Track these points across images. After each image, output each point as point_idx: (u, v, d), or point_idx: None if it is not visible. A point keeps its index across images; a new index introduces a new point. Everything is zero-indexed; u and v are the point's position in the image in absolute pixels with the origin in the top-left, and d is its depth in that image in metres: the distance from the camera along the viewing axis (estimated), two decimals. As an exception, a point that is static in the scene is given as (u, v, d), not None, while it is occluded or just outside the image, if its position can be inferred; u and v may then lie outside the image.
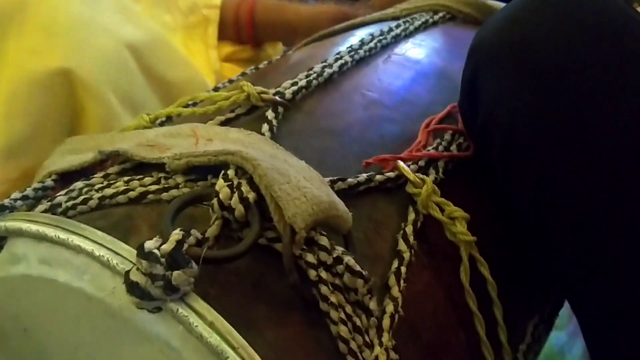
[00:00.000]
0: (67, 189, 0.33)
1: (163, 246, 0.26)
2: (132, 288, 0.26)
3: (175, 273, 0.25)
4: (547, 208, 0.35)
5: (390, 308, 0.30)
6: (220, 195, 0.29)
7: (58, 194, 0.33)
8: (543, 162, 0.35)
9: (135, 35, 0.52)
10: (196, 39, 0.64)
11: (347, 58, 0.45)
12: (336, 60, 0.44)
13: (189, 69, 0.55)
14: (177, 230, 0.27)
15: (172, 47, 0.55)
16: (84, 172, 0.37)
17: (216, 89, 0.50)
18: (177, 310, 0.26)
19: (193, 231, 0.27)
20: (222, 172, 0.30)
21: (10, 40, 0.46)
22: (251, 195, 0.29)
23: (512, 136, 0.36)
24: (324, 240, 0.29)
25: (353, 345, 0.28)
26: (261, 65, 0.54)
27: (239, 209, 0.29)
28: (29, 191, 0.35)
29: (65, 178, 0.37)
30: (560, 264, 0.37)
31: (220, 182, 0.29)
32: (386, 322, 0.30)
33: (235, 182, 0.29)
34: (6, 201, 0.33)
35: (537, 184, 0.35)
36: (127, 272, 0.26)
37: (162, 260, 0.25)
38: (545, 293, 0.44)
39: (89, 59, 0.47)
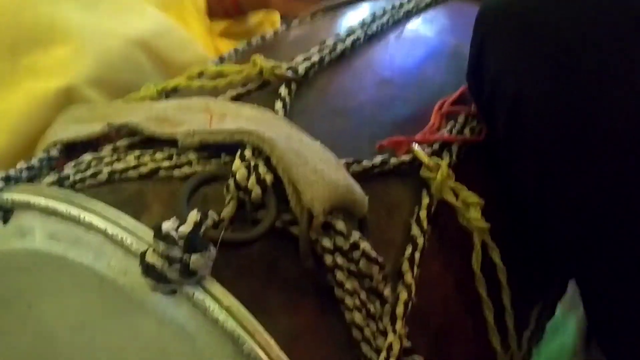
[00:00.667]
0: (75, 162, 0.32)
1: (181, 228, 0.25)
2: (148, 270, 0.25)
3: (194, 256, 0.25)
4: (550, 185, 0.35)
5: (403, 295, 0.30)
6: (237, 176, 0.28)
7: (66, 166, 0.32)
8: (547, 138, 0.34)
9: (143, 27, 0.49)
10: (190, 7, 0.63)
11: (360, 33, 0.44)
12: (348, 35, 0.43)
13: (195, 47, 0.53)
14: (195, 212, 0.26)
15: (178, 30, 0.53)
16: (89, 142, 0.36)
17: (222, 59, 0.49)
18: (193, 293, 0.25)
19: (210, 212, 0.27)
20: (239, 152, 0.29)
21: (4, 54, 0.43)
22: (268, 177, 0.28)
23: (517, 110, 0.35)
24: (340, 225, 0.29)
25: (367, 332, 0.28)
26: (267, 36, 0.52)
27: (256, 191, 0.28)
28: (34, 161, 0.34)
29: (70, 148, 0.36)
30: (564, 239, 0.36)
31: (237, 163, 0.29)
32: (400, 309, 0.30)
33: (252, 163, 0.29)
34: (12, 172, 0.32)
35: (540, 160, 0.35)
36: (143, 254, 0.25)
37: (180, 242, 0.25)
38: (550, 279, 0.44)
39: (91, 68, 0.44)
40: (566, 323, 0.60)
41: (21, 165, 0.33)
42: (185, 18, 0.61)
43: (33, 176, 0.34)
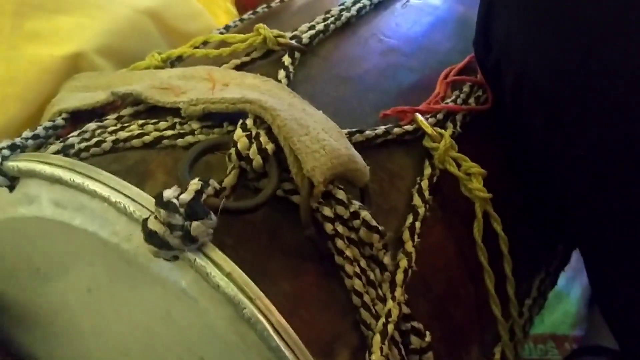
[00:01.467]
0: (80, 130, 0.33)
1: (182, 196, 0.25)
2: (150, 237, 0.25)
3: (195, 224, 0.25)
4: (557, 146, 0.35)
5: (403, 263, 0.31)
6: (239, 145, 0.28)
7: (70, 135, 0.33)
8: (555, 99, 0.34)
9: None
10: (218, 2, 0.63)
11: (365, 1, 0.43)
12: (354, 3, 0.43)
13: (204, 18, 0.53)
14: (196, 180, 0.26)
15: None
16: (94, 111, 0.36)
17: (227, 28, 0.49)
18: (195, 260, 0.26)
19: (211, 181, 0.27)
20: (241, 121, 0.30)
21: (6, 14, 0.42)
22: (269, 146, 0.29)
23: (525, 72, 0.35)
24: (341, 194, 0.29)
25: (366, 298, 0.29)
26: (273, 4, 0.52)
27: (257, 160, 0.28)
28: (39, 130, 0.34)
29: (76, 116, 0.36)
30: (570, 206, 0.36)
31: (238, 132, 0.29)
32: (399, 276, 0.30)
33: (254, 132, 0.29)
34: (17, 140, 0.33)
35: (548, 122, 0.34)
36: (145, 221, 0.26)
37: (181, 210, 0.25)
38: (553, 248, 0.44)
39: (99, 36, 0.44)
40: (570, 291, 0.60)
41: (27, 134, 0.33)
42: (214, 10, 0.61)
43: (39, 145, 0.34)
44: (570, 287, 0.60)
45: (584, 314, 0.60)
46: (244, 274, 0.26)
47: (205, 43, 0.41)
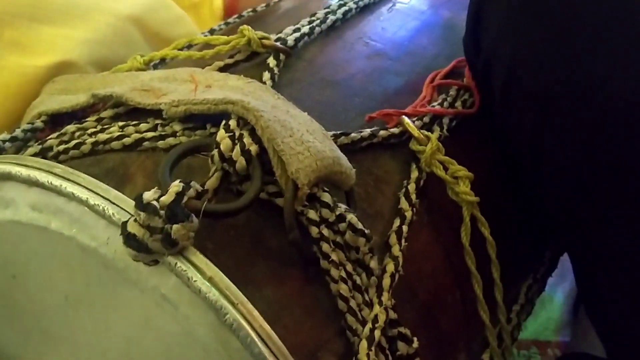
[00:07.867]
0: (59, 132, 0.32)
1: (162, 198, 0.25)
2: (129, 240, 0.25)
3: (175, 227, 0.24)
4: (546, 146, 0.34)
5: (390, 267, 0.30)
6: (221, 147, 0.28)
7: (49, 137, 0.32)
8: (544, 100, 0.34)
9: (134, 3, 0.49)
10: (204, 16, 0.63)
11: (352, 5, 0.43)
12: (340, 6, 0.43)
13: (186, 23, 0.53)
14: (177, 182, 0.26)
15: (170, 5, 0.53)
16: (74, 113, 0.35)
17: (212, 31, 0.48)
18: (175, 264, 0.25)
19: (193, 183, 0.26)
20: (224, 122, 0.29)
21: None
22: (253, 148, 0.28)
23: (515, 73, 0.35)
24: (326, 197, 0.29)
25: (352, 303, 0.28)
26: (259, 8, 0.51)
27: (241, 162, 0.28)
28: (17, 132, 0.33)
29: (56, 119, 0.35)
30: (558, 208, 0.36)
31: (221, 133, 0.28)
32: (386, 281, 0.29)
33: (237, 134, 0.28)
34: (-6, 143, 0.32)
35: (537, 122, 0.34)
36: (125, 224, 0.25)
37: (161, 212, 0.24)
38: (540, 254, 0.43)
39: (83, 46, 0.43)
40: (553, 297, 0.60)
41: (4, 136, 0.33)
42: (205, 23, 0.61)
43: (18, 148, 0.33)
44: (554, 293, 0.60)
45: (567, 319, 0.60)
46: (226, 278, 0.25)
47: (189, 46, 0.41)
